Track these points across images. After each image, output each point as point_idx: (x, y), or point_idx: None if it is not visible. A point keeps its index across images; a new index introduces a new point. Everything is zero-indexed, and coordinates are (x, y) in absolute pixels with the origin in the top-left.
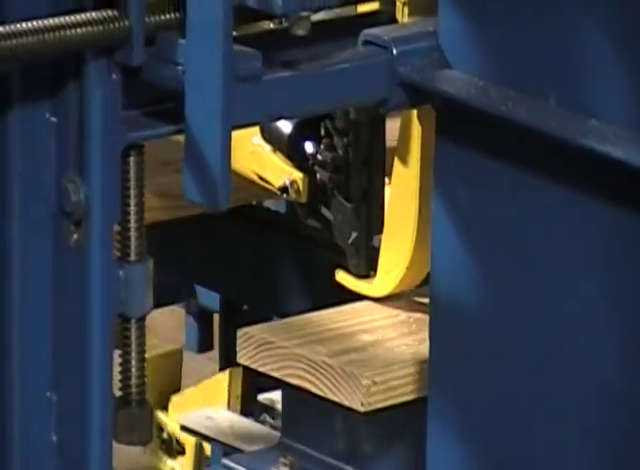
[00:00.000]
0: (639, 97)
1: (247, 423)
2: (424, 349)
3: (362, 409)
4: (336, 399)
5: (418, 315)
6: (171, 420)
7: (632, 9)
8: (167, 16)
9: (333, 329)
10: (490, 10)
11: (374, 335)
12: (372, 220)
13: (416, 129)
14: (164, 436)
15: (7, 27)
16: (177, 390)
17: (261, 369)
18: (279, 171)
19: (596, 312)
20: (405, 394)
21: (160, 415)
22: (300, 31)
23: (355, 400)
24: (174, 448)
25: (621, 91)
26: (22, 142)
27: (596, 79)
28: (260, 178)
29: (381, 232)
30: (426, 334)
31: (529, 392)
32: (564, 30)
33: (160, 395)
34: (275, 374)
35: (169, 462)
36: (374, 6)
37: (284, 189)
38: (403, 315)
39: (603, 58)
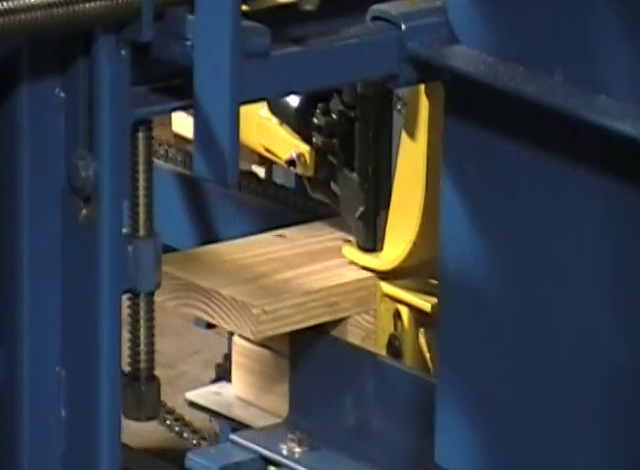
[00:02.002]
0: None
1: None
2: (316, 280)
3: (252, 337)
4: (228, 327)
5: (322, 246)
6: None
7: None
8: None
9: (230, 260)
10: None
11: (270, 266)
12: (380, 194)
13: (424, 104)
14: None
15: (16, 2)
16: None
17: (159, 299)
18: (286, 144)
19: (606, 289)
20: (294, 323)
21: None
22: (309, 7)
23: (246, 329)
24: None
25: (630, 66)
26: (32, 118)
27: (604, 55)
28: (267, 151)
29: (388, 206)
30: (325, 264)
31: (540, 369)
32: (572, 6)
33: None
34: (171, 304)
35: None
36: None
37: (291, 162)
38: (307, 248)
39: (611, 33)
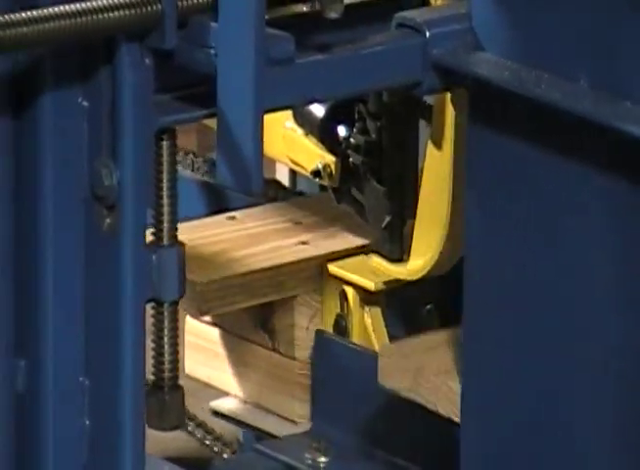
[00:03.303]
0: None
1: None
2: (263, 259)
3: (199, 315)
4: None
5: (272, 228)
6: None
7: None
8: None
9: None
10: None
11: (218, 247)
12: (406, 204)
13: (450, 112)
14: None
15: (39, 11)
16: None
17: None
18: (311, 155)
19: (633, 297)
20: (241, 301)
21: None
22: (333, 14)
23: (192, 306)
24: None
25: None
26: (55, 126)
27: (629, 61)
28: (293, 162)
29: (414, 216)
30: (273, 245)
31: (565, 374)
32: (598, 11)
33: None
34: None
35: None
36: None
37: (316, 173)
38: (256, 229)
39: (636, 38)
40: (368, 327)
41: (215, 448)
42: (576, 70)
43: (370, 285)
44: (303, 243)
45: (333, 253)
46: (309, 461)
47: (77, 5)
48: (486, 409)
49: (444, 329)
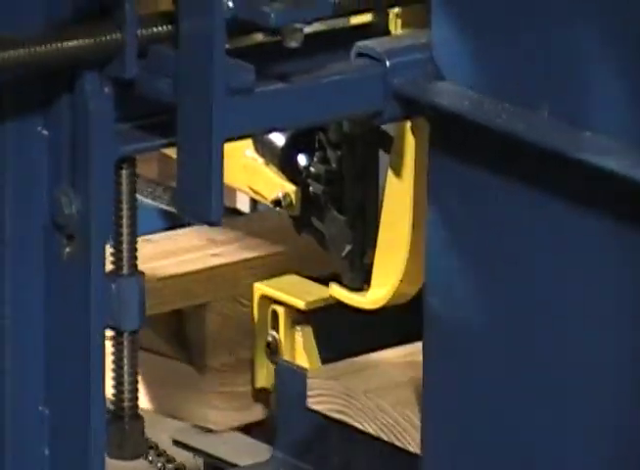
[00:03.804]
0: (631, 108)
1: (240, 437)
2: (172, 268)
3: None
4: None
5: (185, 245)
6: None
7: (624, 21)
8: (160, 28)
9: None
10: (483, 22)
11: None
12: (366, 233)
13: (410, 141)
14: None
15: None
16: None
17: None
18: (272, 184)
19: (596, 319)
20: (150, 308)
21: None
22: (293, 44)
23: None
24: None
25: (616, 102)
26: (15, 155)
27: (589, 91)
28: (253, 191)
29: (375, 245)
30: (183, 258)
31: (530, 403)
32: (557, 42)
33: None
34: None
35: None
36: (367, 18)
37: (277, 202)
38: (169, 247)
39: (596, 69)
40: (299, 347)
41: None
42: (537, 100)
43: (300, 304)
44: (215, 255)
45: (244, 260)
46: None
47: (37, 34)
48: (449, 440)
49: (374, 351)
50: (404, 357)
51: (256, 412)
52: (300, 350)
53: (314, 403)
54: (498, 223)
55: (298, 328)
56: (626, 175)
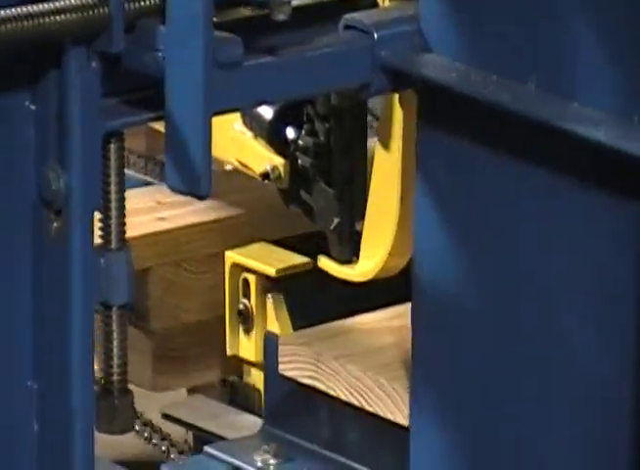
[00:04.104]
0: (619, 80)
1: (230, 411)
2: None
3: None
4: None
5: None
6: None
7: None
8: (147, 2)
9: None
10: None
11: None
12: (354, 206)
13: (397, 113)
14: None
15: None
16: None
17: None
18: (260, 157)
19: (581, 293)
20: None
21: None
22: (281, 17)
23: None
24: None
25: (602, 74)
26: (1, 129)
27: (576, 63)
28: (242, 164)
29: (363, 218)
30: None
31: (517, 379)
32: (544, 14)
33: None
34: None
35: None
36: None
37: (265, 175)
38: None
39: (583, 41)
40: (270, 314)
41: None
42: (525, 73)
43: (271, 271)
44: (161, 219)
45: (190, 225)
46: (259, 463)
47: (23, 8)
48: (436, 413)
49: (344, 318)
50: (377, 323)
51: (202, 376)
52: (272, 318)
53: (285, 370)
54: (485, 194)
55: (270, 296)
56: (613, 146)
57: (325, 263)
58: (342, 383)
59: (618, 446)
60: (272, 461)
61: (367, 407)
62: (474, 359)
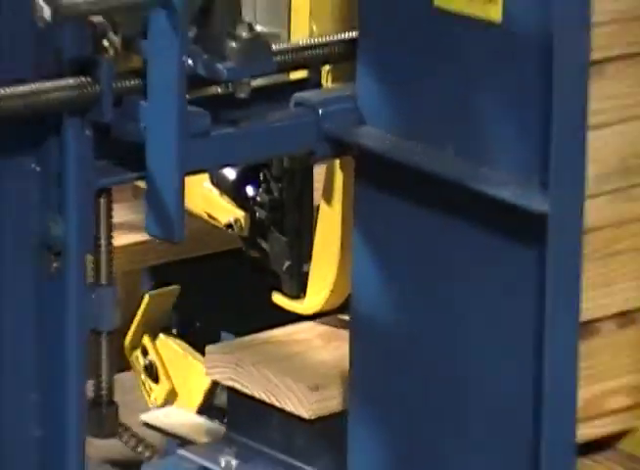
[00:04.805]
0: (521, 149)
1: (199, 420)
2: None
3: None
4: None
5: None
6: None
7: (516, 68)
8: (131, 82)
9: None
10: (397, 77)
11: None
12: (302, 251)
13: (339, 176)
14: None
15: None
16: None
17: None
18: (225, 211)
19: (487, 324)
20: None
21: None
22: (242, 95)
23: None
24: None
25: (507, 144)
26: (12, 188)
27: (487, 134)
28: (209, 216)
29: (310, 261)
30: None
31: (445, 409)
32: (458, 93)
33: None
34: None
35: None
36: (303, 74)
37: (229, 226)
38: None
39: (492, 116)
40: None
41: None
42: (444, 141)
43: None
44: None
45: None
46: (223, 464)
47: (29, 86)
48: (371, 426)
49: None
50: (287, 336)
51: None
52: None
53: (210, 374)
54: (413, 243)
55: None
56: (517, 203)
57: (278, 299)
58: (257, 384)
59: (526, 450)
60: (234, 462)
61: (277, 404)
62: (402, 380)
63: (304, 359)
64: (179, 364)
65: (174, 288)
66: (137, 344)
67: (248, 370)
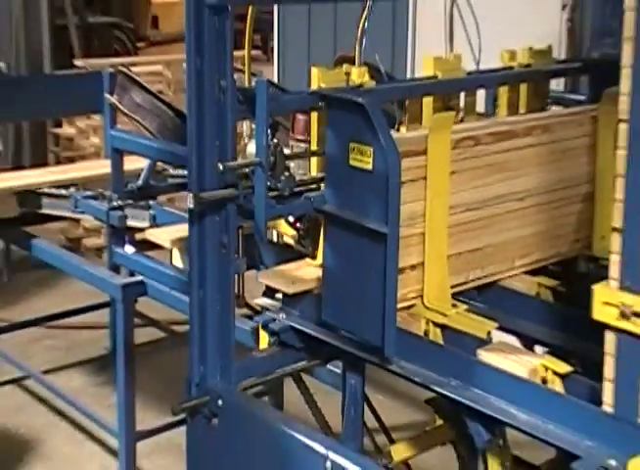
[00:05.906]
0: None
1: None
2: None
3: None
4: None
5: None
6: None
7: None
8: None
9: None
10: None
11: None
12: (315, 245)
13: None
14: None
15: None
16: None
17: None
18: (290, 232)
19: None
20: None
21: None
22: None
23: None
24: None
25: None
26: None
27: None
28: (282, 233)
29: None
30: None
31: None
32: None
33: None
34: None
35: None
36: None
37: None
38: None
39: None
40: None
41: None
42: None
43: None
44: None
45: None
46: None
47: None
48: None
49: None
50: None
51: None
52: None
53: None
54: None
55: None
56: None
57: (307, 261)
58: None
59: None
60: None
61: None
62: None
63: None
64: None
65: None
66: None
67: None
